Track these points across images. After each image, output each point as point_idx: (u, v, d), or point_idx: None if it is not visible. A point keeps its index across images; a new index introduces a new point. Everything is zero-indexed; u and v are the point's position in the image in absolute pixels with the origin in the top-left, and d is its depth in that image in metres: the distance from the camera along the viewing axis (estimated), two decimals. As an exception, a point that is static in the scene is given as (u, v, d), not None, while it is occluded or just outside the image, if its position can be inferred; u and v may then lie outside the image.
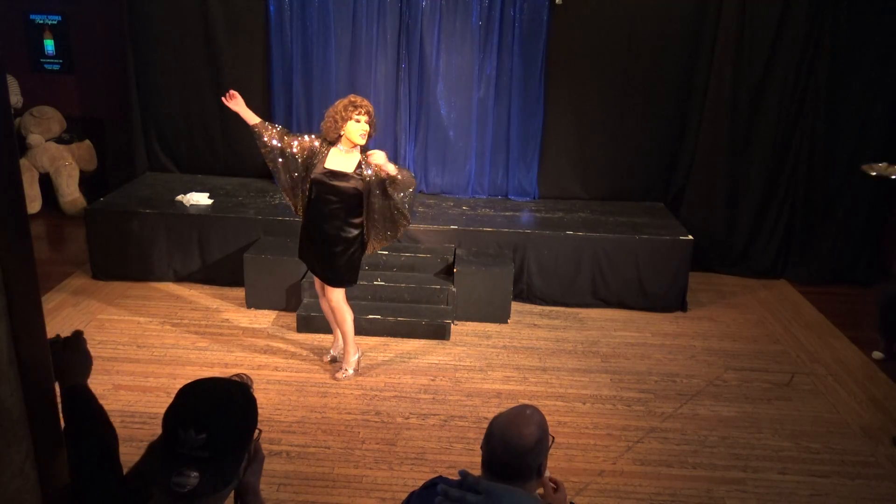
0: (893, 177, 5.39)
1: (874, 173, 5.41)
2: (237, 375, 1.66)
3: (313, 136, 4.44)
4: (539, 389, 4.74)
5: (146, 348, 5.04)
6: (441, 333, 5.33)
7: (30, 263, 1.54)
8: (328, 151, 4.38)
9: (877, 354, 5.28)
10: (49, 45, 7.34)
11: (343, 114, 4.27)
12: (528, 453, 1.95)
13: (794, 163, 6.49)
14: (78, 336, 1.85)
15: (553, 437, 2.08)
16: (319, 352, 5.08)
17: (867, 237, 6.55)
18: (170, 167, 7.04)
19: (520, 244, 5.90)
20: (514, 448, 1.94)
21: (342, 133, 4.32)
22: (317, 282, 4.75)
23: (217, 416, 1.51)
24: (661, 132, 6.66)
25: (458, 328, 5.50)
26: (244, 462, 1.57)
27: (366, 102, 4.35)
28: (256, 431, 1.63)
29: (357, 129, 4.30)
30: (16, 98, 7.14)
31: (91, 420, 1.83)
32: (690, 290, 6.04)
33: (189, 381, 1.62)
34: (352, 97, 4.35)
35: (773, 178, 6.55)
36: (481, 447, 2.03)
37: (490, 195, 6.83)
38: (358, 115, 4.28)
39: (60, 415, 1.72)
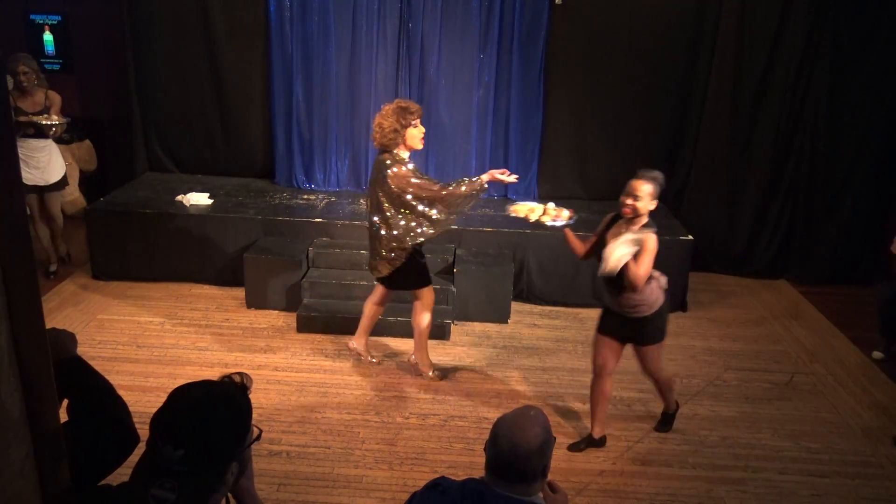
0: (551, 223, 4.22)
1: (514, 215, 4.30)
2: (237, 374, 1.64)
3: (410, 164, 4.33)
4: (539, 389, 4.74)
5: (146, 348, 5.04)
6: (441, 333, 5.33)
7: (30, 263, 1.54)
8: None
9: (877, 354, 5.29)
10: (49, 44, 7.34)
11: (403, 121, 4.24)
12: (534, 455, 1.96)
13: (795, 163, 6.49)
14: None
15: (555, 438, 2.08)
16: (319, 352, 5.08)
17: (867, 237, 6.55)
18: (170, 167, 7.04)
19: (520, 244, 5.90)
20: (521, 450, 1.95)
21: (404, 140, 4.30)
22: (384, 292, 4.72)
23: (196, 433, 1.48)
24: (662, 132, 6.65)
25: (458, 328, 5.50)
26: (231, 471, 1.55)
27: (417, 105, 4.36)
28: (256, 431, 1.61)
29: (418, 134, 4.33)
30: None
31: (95, 389, 1.81)
32: (690, 290, 6.04)
33: (188, 380, 1.61)
34: (401, 103, 4.31)
35: (774, 178, 6.55)
36: (485, 449, 2.03)
37: (490, 195, 6.82)
38: (415, 119, 4.29)
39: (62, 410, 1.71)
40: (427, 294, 4.61)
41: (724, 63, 6.28)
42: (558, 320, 5.75)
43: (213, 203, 6.19)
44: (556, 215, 4.23)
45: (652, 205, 3.73)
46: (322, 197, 6.60)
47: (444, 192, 4.29)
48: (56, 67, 7.42)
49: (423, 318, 4.63)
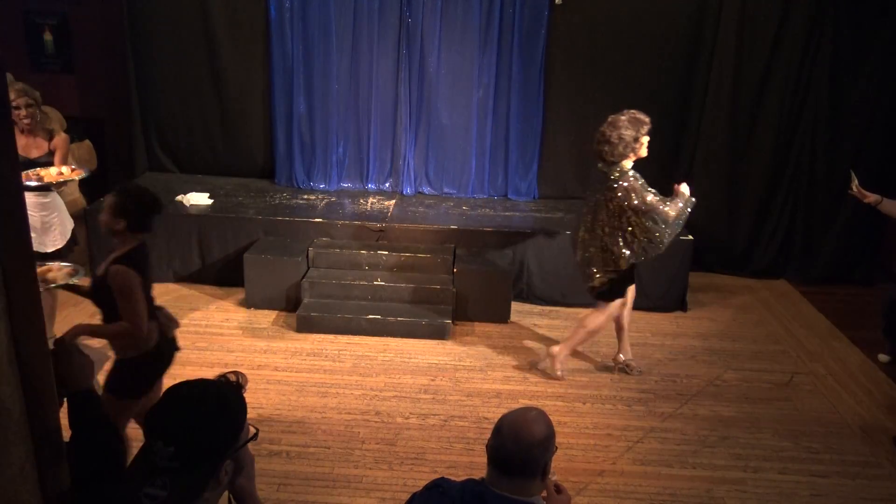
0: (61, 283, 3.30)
1: None
2: (233, 373, 1.65)
3: (639, 178, 4.43)
4: (539, 389, 4.74)
5: (146, 348, 5.03)
6: (441, 333, 5.33)
7: (30, 263, 1.54)
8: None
9: (883, 357, 5.24)
10: (49, 44, 7.33)
11: (642, 131, 4.37)
12: (536, 447, 1.97)
13: (796, 163, 6.49)
14: (62, 344, 1.83)
15: (556, 447, 2.09)
16: (319, 352, 5.08)
17: (867, 237, 6.55)
18: (170, 167, 7.04)
19: (520, 244, 5.90)
20: (524, 440, 1.97)
21: (636, 151, 4.40)
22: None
23: (184, 430, 1.50)
24: (662, 132, 6.63)
25: (458, 328, 5.50)
26: (225, 470, 1.55)
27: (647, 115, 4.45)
28: (253, 431, 1.61)
29: (646, 142, 4.45)
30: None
31: (97, 427, 1.82)
32: (690, 290, 6.04)
33: (186, 379, 1.62)
34: (635, 114, 4.41)
35: (774, 178, 6.54)
36: (487, 443, 2.04)
37: (490, 195, 6.83)
38: (647, 128, 4.40)
39: (64, 420, 1.71)
40: (615, 306, 4.69)
41: (725, 63, 6.28)
42: (558, 320, 5.75)
43: (213, 203, 6.19)
44: (58, 274, 3.38)
45: (118, 224, 2.99)
46: (322, 197, 6.60)
47: (663, 206, 4.34)
48: (56, 67, 7.42)
49: (597, 324, 4.71)
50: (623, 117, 4.37)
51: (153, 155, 7.00)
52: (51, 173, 4.34)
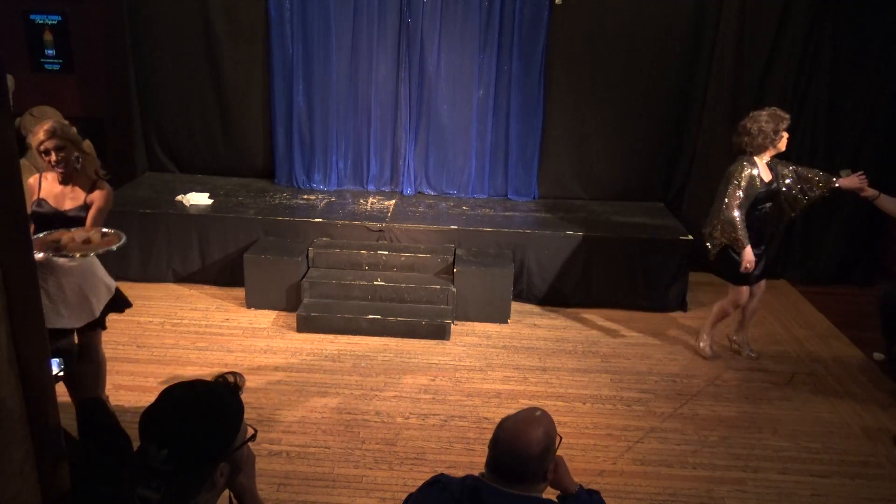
0: None
1: None
2: (231, 374, 1.65)
3: (746, 176, 4.63)
4: (539, 389, 4.74)
5: (146, 348, 5.04)
6: (441, 333, 5.33)
7: (30, 263, 1.54)
8: (757, 168, 4.67)
9: (877, 356, 5.27)
10: (49, 45, 7.33)
11: (782, 125, 4.57)
12: (533, 460, 1.96)
13: (795, 163, 6.47)
14: (85, 350, 1.86)
15: (561, 437, 2.08)
16: (319, 352, 5.08)
17: (867, 238, 6.55)
18: (170, 167, 7.04)
19: (520, 244, 5.90)
20: (520, 455, 1.95)
21: (775, 145, 4.60)
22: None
23: (179, 433, 1.50)
24: (661, 132, 6.65)
25: (458, 328, 5.50)
26: (221, 472, 1.55)
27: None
28: (251, 432, 1.61)
29: (786, 137, 4.66)
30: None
31: (109, 434, 1.83)
32: (690, 290, 6.04)
33: (181, 381, 1.62)
34: (776, 111, 4.58)
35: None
36: (488, 448, 2.03)
37: (490, 195, 6.83)
38: (786, 126, 4.60)
39: (67, 425, 1.72)
40: (734, 292, 4.92)
41: (724, 63, 6.28)
42: (558, 320, 5.75)
43: (213, 203, 6.19)
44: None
45: None
46: (322, 197, 6.60)
47: (735, 206, 4.58)
48: (56, 67, 7.42)
49: (723, 308, 5.01)
50: (764, 112, 4.60)
51: (153, 155, 7.00)
52: (72, 237, 3.51)
